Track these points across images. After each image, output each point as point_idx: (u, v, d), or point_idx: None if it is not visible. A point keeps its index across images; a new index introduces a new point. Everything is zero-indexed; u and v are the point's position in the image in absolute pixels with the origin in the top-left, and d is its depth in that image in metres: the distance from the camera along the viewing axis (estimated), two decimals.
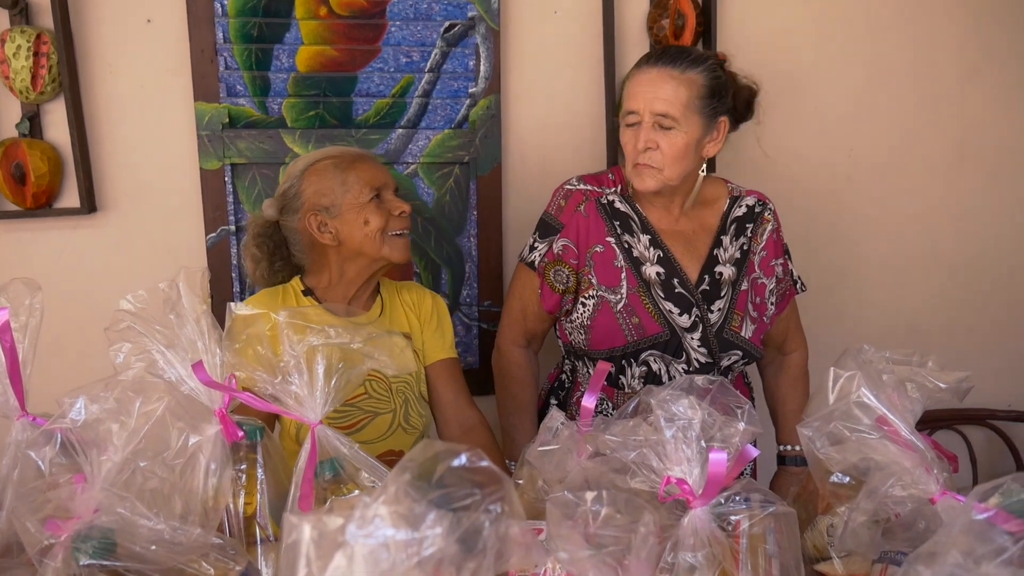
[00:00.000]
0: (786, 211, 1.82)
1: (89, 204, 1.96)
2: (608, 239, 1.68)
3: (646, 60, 1.65)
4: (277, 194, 1.66)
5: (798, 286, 1.82)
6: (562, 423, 1.20)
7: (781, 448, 1.82)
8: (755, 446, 1.06)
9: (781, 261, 1.76)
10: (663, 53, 1.63)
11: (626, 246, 1.68)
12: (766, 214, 1.75)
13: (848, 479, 1.02)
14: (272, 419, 1.50)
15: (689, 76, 1.58)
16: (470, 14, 2.04)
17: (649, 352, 1.66)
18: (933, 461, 0.98)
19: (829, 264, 2.36)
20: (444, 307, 1.77)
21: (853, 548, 1.03)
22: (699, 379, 1.03)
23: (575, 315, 1.70)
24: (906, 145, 2.35)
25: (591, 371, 1.72)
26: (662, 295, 1.66)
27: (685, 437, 0.98)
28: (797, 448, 1.77)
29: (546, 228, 1.73)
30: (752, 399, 1.87)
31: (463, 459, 0.63)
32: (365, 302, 1.68)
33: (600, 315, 1.66)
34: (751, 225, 1.73)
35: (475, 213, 2.12)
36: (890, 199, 2.38)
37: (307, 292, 1.65)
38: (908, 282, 2.43)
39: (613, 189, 1.73)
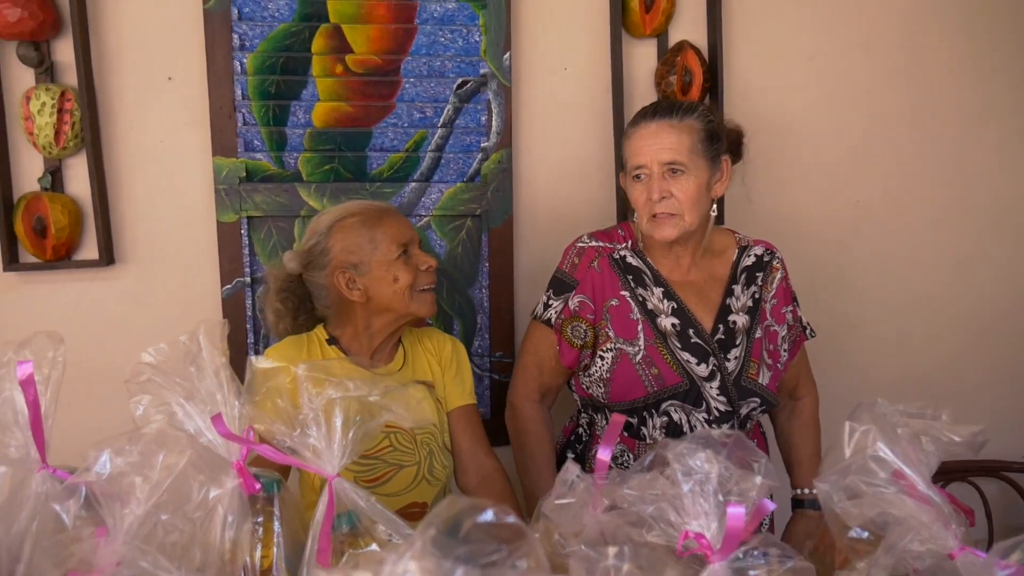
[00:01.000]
0: (793, 262, 1.84)
1: (108, 256, 1.99)
2: (623, 293, 1.70)
3: (642, 117, 1.70)
4: (302, 250, 1.67)
5: (807, 332, 1.84)
6: (578, 476, 1.20)
7: (797, 492, 1.82)
8: (771, 496, 1.06)
9: (791, 308, 1.79)
10: (656, 108, 1.70)
11: (640, 299, 1.70)
12: (774, 263, 1.78)
13: (866, 534, 1.02)
14: (286, 469, 1.50)
15: (687, 123, 1.65)
16: (482, 71, 2.09)
17: (669, 402, 1.67)
18: (950, 515, 0.98)
19: (837, 314, 2.37)
20: (463, 352, 1.78)
21: None
22: (715, 432, 1.04)
23: (593, 369, 1.71)
24: (910, 197, 2.38)
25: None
26: (679, 345, 1.67)
27: (702, 491, 0.98)
28: (813, 492, 1.76)
29: (560, 286, 1.75)
30: (767, 448, 1.87)
31: (489, 515, 0.64)
32: (388, 353, 1.69)
33: (619, 367, 1.67)
34: (760, 274, 1.76)
35: (487, 265, 2.14)
36: (896, 250, 2.40)
37: (331, 341, 1.65)
38: (917, 333, 2.44)
39: (624, 244, 1.75)
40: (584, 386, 1.75)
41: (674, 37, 2.18)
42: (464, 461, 1.69)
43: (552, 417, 1.84)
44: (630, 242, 1.76)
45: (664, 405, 1.67)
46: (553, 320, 1.74)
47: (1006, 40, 2.37)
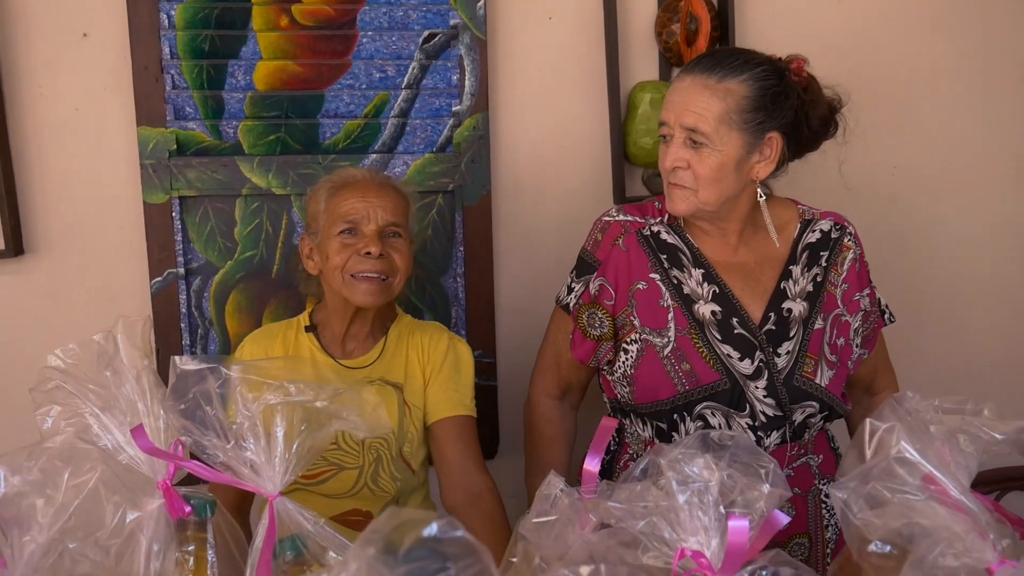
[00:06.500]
0: None
1: (15, 246, 1.98)
2: (652, 275, 1.69)
3: (685, 67, 1.68)
4: None
5: (886, 317, 1.81)
6: (561, 490, 1.20)
7: None
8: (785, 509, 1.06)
9: (867, 292, 1.75)
10: (702, 59, 1.65)
11: (675, 282, 1.68)
12: (845, 240, 1.74)
13: (890, 548, 1.02)
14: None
15: (727, 86, 1.58)
16: (452, 22, 2.08)
17: (704, 404, 1.64)
18: (989, 524, 0.99)
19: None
20: (466, 355, 1.80)
21: None
22: (715, 434, 1.04)
23: (617, 364, 1.71)
24: (959, 160, 2.38)
25: (642, 431, 1.73)
26: (719, 337, 1.65)
27: (701, 503, 0.98)
28: None
29: (583, 266, 1.75)
30: (837, 467, 1.77)
31: (433, 529, 0.64)
32: (364, 343, 1.75)
33: (645, 362, 1.67)
34: (826, 253, 1.72)
35: (462, 249, 2.14)
36: (942, 222, 2.40)
37: (311, 328, 1.75)
38: (966, 315, 2.44)
39: (658, 219, 1.74)
40: (612, 385, 1.76)
41: None
42: (452, 477, 1.70)
43: (576, 422, 1.85)
44: (666, 216, 1.74)
45: (698, 408, 1.64)
46: (572, 305, 1.74)
47: None
